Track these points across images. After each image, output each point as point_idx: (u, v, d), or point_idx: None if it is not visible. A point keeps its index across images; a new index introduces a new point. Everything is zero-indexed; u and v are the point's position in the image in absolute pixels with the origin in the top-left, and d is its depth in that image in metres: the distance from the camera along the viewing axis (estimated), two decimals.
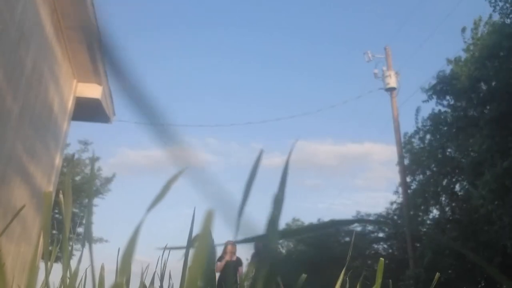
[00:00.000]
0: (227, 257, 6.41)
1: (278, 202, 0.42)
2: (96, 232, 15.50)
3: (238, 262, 6.69)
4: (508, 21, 10.11)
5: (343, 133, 37.88)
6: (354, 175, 36.95)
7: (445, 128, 12.12)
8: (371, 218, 17.69)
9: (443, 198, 12.78)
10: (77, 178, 14.73)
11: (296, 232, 0.43)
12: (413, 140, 13.96)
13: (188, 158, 0.38)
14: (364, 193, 33.98)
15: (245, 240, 0.41)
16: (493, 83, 9.83)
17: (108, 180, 15.92)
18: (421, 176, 13.58)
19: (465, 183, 10.46)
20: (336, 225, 0.43)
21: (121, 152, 30.80)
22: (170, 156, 0.38)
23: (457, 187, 12.42)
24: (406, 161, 14.04)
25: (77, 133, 15.55)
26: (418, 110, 13.23)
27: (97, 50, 4.07)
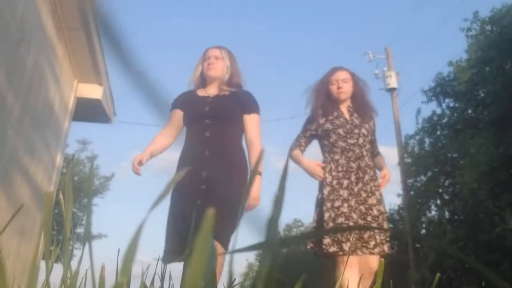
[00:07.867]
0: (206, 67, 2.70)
1: (277, 202, 0.42)
2: (104, 230, 15.55)
3: (245, 97, 2.72)
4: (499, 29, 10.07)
5: None
6: None
7: (445, 130, 12.11)
8: None
9: (444, 199, 12.78)
10: (76, 178, 14.76)
11: (297, 238, 0.43)
12: (413, 141, 13.94)
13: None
14: None
15: (248, 249, 0.40)
16: (492, 86, 9.81)
17: (107, 179, 15.95)
18: (422, 177, 13.58)
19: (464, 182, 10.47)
20: (337, 231, 0.43)
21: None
22: (159, 120, 0.38)
23: (458, 188, 12.42)
24: (407, 162, 14.03)
25: (82, 135, 15.63)
26: (418, 112, 13.18)
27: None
